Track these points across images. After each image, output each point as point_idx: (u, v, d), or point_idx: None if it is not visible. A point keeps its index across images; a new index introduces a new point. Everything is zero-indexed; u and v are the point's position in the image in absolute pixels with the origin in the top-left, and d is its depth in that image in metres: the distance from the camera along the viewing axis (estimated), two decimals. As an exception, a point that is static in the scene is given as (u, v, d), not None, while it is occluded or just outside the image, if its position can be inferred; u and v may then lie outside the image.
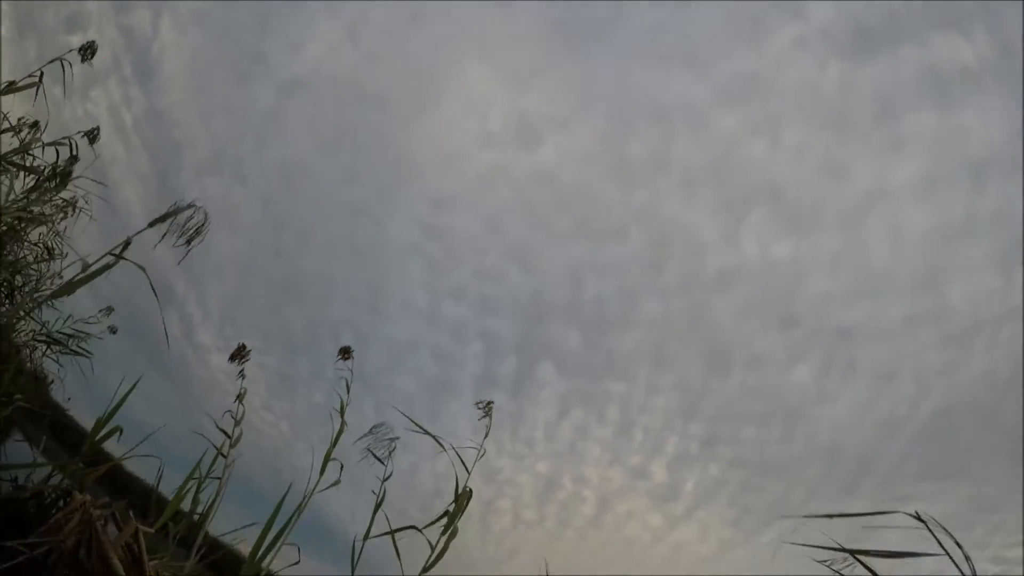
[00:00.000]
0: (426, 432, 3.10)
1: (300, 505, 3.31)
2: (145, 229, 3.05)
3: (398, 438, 3.50)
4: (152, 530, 3.14)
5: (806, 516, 2.24)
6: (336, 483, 3.53)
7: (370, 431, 3.46)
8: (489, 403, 3.30)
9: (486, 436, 3.23)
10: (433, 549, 2.91)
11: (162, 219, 3.07)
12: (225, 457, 3.68)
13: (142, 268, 3.07)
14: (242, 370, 4.14)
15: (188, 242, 3.15)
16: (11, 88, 4.16)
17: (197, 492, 3.51)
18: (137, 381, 3.52)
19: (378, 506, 3.28)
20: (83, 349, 6.42)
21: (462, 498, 3.06)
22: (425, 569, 2.87)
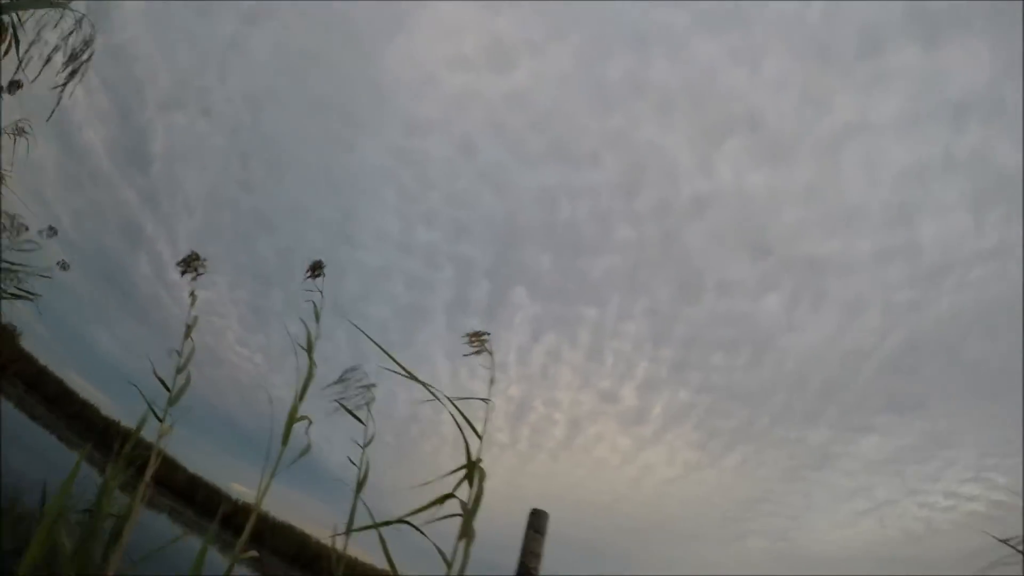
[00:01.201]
0: (421, 382, 2.20)
1: (263, 488, 2.68)
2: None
3: (374, 385, 2.83)
4: None
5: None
6: (306, 451, 2.80)
7: (340, 378, 2.80)
8: (482, 335, 2.36)
9: (492, 382, 2.32)
10: (448, 561, 2.03)
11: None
12: (161, 421, 3.11)
13: None
14: (193, 289, 3.48)
15: (72, 71, 2.31)
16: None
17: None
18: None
19: (360, 484, 2.66)
20: (25, 290, 5.49)
21: (474, 474, 2.14)
22: None
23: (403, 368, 2.16)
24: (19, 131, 5.04)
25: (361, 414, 2.83)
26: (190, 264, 3.46)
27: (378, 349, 2.30)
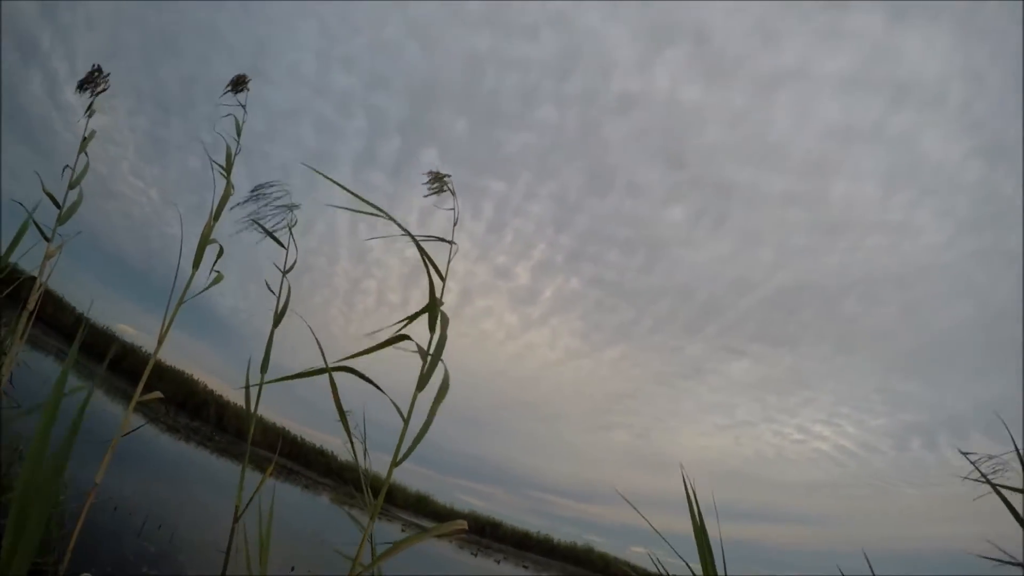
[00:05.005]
0: (389, 217, 1.80)
1: (176, 303, 2.30)
2: None
3: (297, 206, 2.47)
4: None
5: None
6: (218, 279, 2.49)
7: (253, 192, 2.38)
8: (443, 176, 2.06)
9: (455, 224, 2.02)
10: (405, 416, 1.71)
11: None
12: (48, 240, 2.71)
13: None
14: (92, 104, 3.04)
15: None
16: None
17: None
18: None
19: (279, 318, 2.33)
20: None
21: (436, 317, 1.86)
22: (399, 456, 1.70)
23: (371, 205, 1.80)
24: None
25: (281, 237, 2.47)
26: (92, 79, 3.01)
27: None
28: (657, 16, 37.56)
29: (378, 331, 1.82)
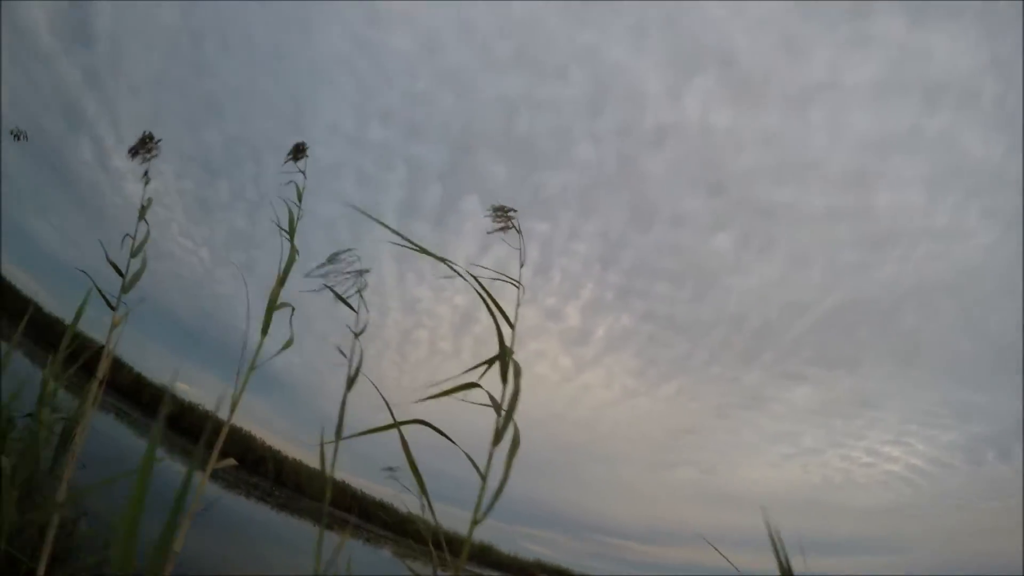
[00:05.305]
0: (443, 260, 1.78)
1: (247, 370, 2.31)
2: None
3: (368, 271, 2.43)
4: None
5: None
6: (289, 344, 2.50)
7: (329, 259, 2.41)
8: (508, 210, 2.02)
9: (522, 265, 1.97)
10: (482, 474, 1.64)
11: None
12: (113, 309, 2.76)
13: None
14: (147, 171, 3.13)
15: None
16: None
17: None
18: None
19: (352, 381, 2.30)
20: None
21: (508, 366, 1.77)
22: (479, 514, 1.62)
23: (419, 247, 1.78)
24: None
25: (352, 301, 2.47)
26: (144, 145, 3.11)
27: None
28: (682, 45, 37.70)
29: (450, 378, 1.78)
